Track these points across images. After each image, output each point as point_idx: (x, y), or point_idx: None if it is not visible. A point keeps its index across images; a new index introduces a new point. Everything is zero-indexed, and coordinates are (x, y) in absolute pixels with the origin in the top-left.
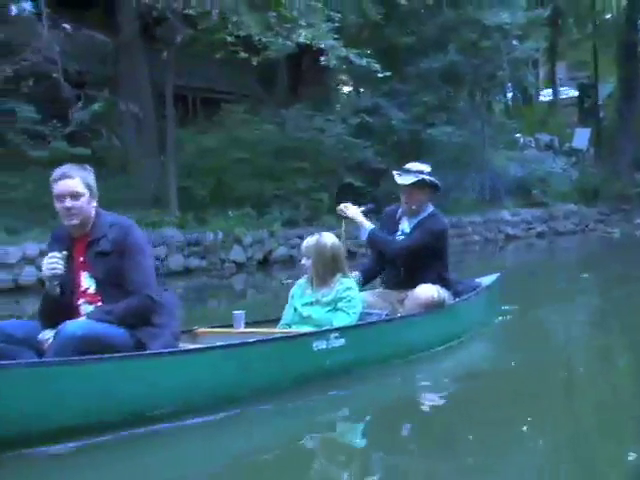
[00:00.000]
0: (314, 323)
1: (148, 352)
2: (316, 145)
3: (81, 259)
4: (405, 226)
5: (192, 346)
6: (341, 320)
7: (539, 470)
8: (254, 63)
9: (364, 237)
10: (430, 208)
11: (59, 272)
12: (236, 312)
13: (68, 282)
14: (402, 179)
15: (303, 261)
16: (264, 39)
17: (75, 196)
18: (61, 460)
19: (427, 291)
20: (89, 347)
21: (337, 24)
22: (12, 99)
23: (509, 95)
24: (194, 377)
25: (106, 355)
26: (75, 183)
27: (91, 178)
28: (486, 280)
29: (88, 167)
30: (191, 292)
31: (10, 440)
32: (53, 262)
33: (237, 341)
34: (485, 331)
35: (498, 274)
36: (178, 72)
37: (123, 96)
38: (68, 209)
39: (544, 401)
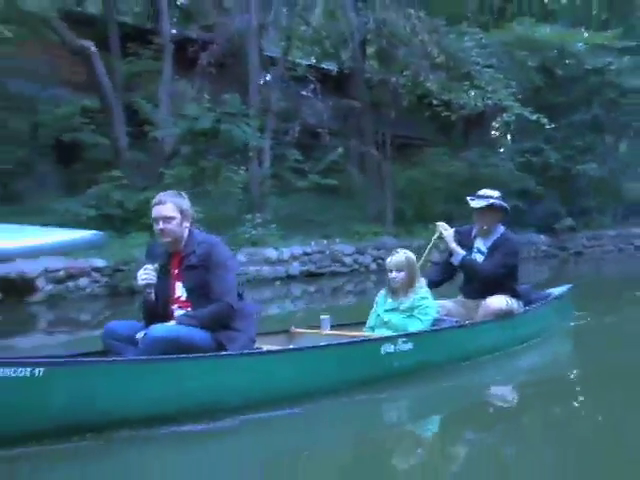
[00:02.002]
0: (393, 327)
1: (223, 353)
2: (492, 177)
3: (176, 271)
4: (480, 245)
5: (269, 347)
6: (415, 326)
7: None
8: (452, 119)
9: (456, 261)
10: (501, 229)
11: (151, 282)
12: (323, 317)
13: (163, 290)
14: (475, 203)
15: (394, 274)
16: (461, 101)
17: (167, 219)
18: (137, 444)
19: (497, 302)
20: (171, 347)
21: (512, 89)
22: (284, 146)
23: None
24: (268, 377)
25: (181, 355)
26: (167, 208)
27: (184, 203)
28: (558, 290)
29: (183, 194)
30: None
31: (97, 424)
32: (146, 273)
33: (322, 341)
34: (554, 337)
35: (570, 285)
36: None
37: (356, 141)
38: (161, 230)
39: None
